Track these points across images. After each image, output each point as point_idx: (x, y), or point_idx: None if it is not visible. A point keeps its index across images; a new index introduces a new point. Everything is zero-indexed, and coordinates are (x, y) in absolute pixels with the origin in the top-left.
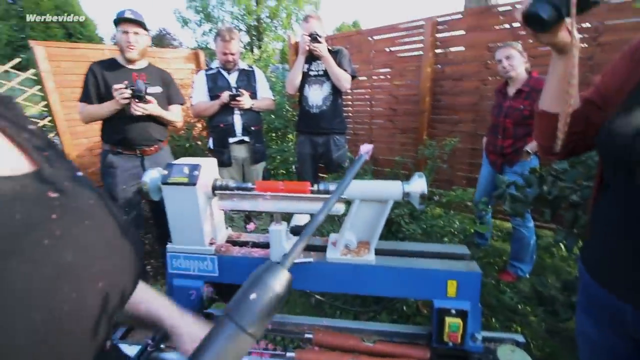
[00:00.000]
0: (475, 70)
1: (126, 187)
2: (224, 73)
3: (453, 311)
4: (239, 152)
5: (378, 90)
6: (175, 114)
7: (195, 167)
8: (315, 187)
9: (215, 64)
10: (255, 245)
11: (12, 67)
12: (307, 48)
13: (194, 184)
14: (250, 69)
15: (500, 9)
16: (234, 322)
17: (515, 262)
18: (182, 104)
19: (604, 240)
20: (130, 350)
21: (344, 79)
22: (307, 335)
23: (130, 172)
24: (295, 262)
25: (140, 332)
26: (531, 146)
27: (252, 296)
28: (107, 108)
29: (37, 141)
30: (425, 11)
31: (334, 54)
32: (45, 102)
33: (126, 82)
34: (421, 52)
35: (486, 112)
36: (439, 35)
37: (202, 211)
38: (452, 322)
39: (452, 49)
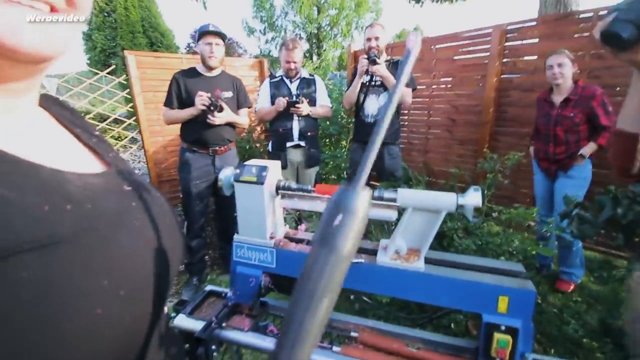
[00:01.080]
0: (547, 80)
1: (198, 182)
2: (287, 81)
3: (503, 327)
4: (295, 156)
5: (437, 99)
6: (242, 117)
7: (263, 169)
8: (370, 193)
9: (279, 72)
10: (310, 243)
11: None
12: (365, 70)
13: (262, 183)
14: (312, 77)
15: (581, 15)
16: (327, 248)
17: (565, 268)
18: (249, 107)
19: None
20: (196, 325)
21: (405, 95)
22: (352, 334)
23: (202, 168)
24: None
25: (205, 309)
26: (585, 150)
27: (336, 221)
28: (187, 113)
29: (103, 145)
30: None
31: (395, 64)
32: (132, 104)
33: (209, 94)
34: (486, 61)
35: None
36: (508, 44)
37: (266, 208)
38: (500, 338)
39: (525, 58)
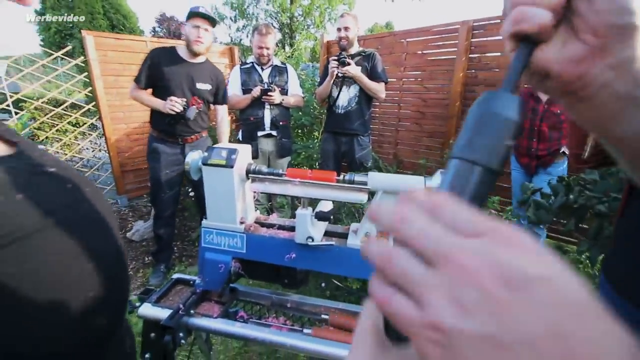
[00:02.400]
0: None
1: (168, 172)
2: (258, 68)
3: None
4: (266, 146)
5: (407, 92)
6: (221, 116)
7: (232, 152)
8: (341, 177)
9: (250, 59)
10: (281, 227)
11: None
12: (335, 73)
13: (231, 167)
14: (283, 65)
15: None
16: (479, 165)
17: None
18: (225, 104)
19: (631, 252)
20: (163, 313)
21: (378, 91)
22: (323, 316)
23: (171, 158)
24: (318, 244)
25: (172, 297)
26: (566, 148)
27: (485, 132)
28: (153, 104)
29: (6, 131)
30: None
31: (366, 57)
32: (90, 88)
33: (184, 101)
34: (454, 56)
35: None
36: (474, 40)
37: (236, 192)
38: None
39: (491, 54)
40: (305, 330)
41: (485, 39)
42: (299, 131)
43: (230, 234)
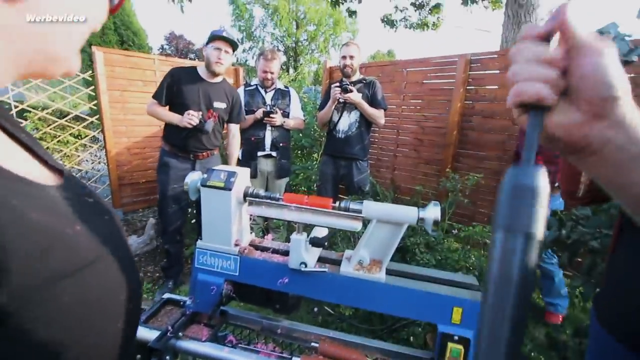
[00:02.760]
0: (506, 109)
1: (176, 186)
2: (261, 90)
3: (456, 337)
4: (265, 166)
5: (406, 119)
6: (232, 133)
7: (232, 174)
8: (337, 204)
9: (254, 81)
10: (275, 251)
11: None
12: (338, 98)
13: (230, 189)
14: (286, 89)
15: None
16: (521, 234)
17: (549, 299)
18: (239, 123)
19: (619, 290)
20: (151, 334)
21: (378, 117)
22: (313, 344)
23: (181, 172)
24: (311, 270)
25: (162, 318)
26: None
27: (522, 203)
28: (170, 118)
29: (46, 151)
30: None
31: (367, 85)
32: (95, 102)
33: (200, 114)
34: (452, 87)
35: (512, 150)
36: (471, 72)
37: (232, 214)
38: (454, 347)
39: (487, 87)
40: (294, 359)
41: (482, 72)
42: (299, 152)
43: (224, 256)
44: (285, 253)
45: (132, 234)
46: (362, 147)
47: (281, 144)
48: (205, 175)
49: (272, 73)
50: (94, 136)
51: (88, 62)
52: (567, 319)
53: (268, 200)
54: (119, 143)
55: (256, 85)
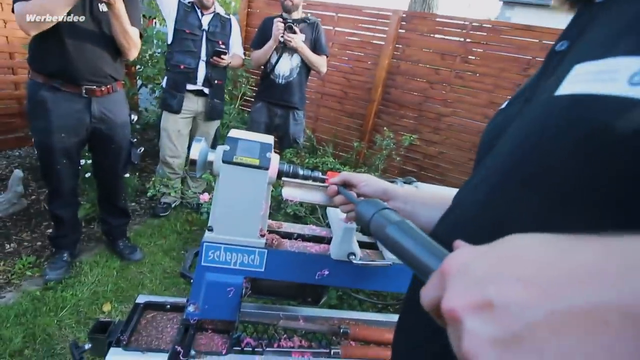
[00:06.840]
0: (426, 72)
1: (64, 136)
2: (198, 11)
3: None
4: (195, 104)
5: (333, 70)
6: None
7: (267, 147)
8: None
9: None
10: (303, 237)
11: None
12: (281, 38)
13: (267, 168)
14: (227, 16)
15: (456, 21)
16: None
17: None
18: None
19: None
20: (160, 357)
21: (321, 65)
22: (343, 330)
23: (71, 115)
24: (365, 263)
25: (146, 331)
26: None
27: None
28: None
29: None
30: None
31: (310, 25)
32: None
33: None
34: (382, 42)
35: (428, 112)
36: (401, 30)
37: (265, 200)
38: None
39: (413, 47)
40: (333, 351)
41: (411, 32)
42: None
43: (246, 250)
44: (314, 239)
45: None
46: (301, 96)
47: (216, 81)
48: (228, 148)
49: None
50: None
51: None
52: None
53: (310, 182)
54: None
55: (192, 3)
